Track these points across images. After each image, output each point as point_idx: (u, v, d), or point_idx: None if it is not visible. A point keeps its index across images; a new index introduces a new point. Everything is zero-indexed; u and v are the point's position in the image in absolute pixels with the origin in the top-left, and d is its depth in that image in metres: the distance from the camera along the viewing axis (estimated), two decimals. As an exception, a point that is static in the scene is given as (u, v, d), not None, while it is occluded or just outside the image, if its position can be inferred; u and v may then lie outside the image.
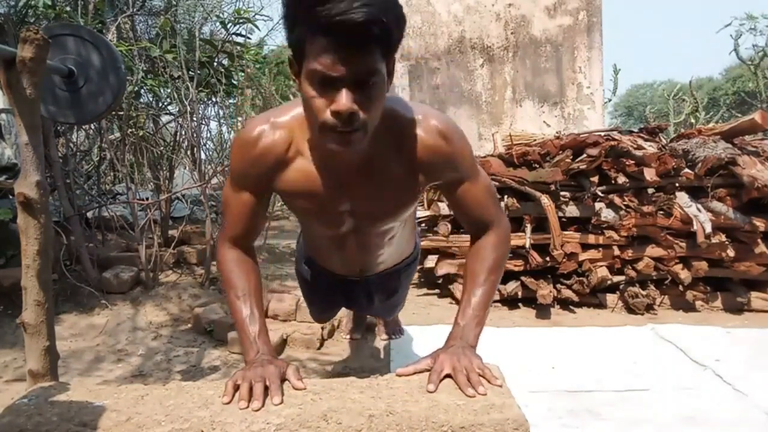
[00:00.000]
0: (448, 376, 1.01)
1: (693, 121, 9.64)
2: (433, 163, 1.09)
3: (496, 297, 3.24)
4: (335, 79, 0.88)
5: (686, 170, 3.17)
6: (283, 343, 2.49)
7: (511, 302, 3.25)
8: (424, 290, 3.60)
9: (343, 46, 0.86)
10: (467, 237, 1.31)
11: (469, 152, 1.16)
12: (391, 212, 1.23)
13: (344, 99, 0.89)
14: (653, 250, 3.16)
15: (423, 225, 3.54)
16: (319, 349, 2.51)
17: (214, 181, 3.80)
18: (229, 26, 3.78)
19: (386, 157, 1.08)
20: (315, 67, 0.88)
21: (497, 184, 3.28)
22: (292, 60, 0.97)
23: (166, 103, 4.20)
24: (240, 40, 3.97)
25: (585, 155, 3.13)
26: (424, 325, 2.81)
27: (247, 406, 0.93)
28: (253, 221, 1.21)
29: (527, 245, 3.10)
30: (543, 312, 3.13)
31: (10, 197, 3.12)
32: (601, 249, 3.18)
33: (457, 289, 3.31)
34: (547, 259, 3.15)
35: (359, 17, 0.82)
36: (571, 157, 3.15)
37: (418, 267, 3.72)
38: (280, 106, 1.15)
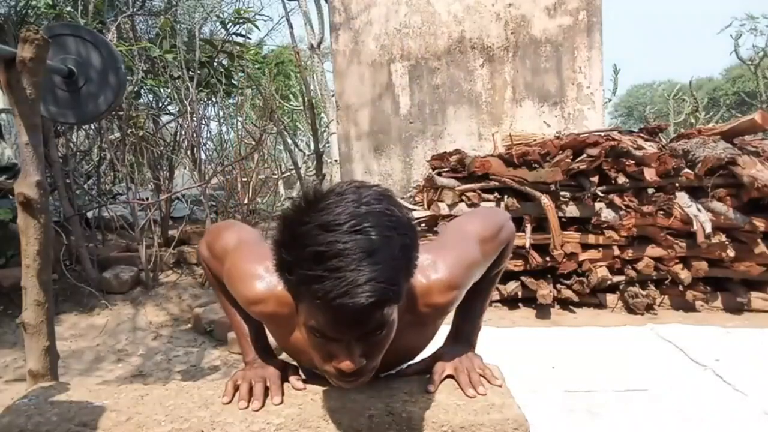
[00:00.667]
0: (449, 376, 1.01)
1: (693, 121, 9.65)
2: (452, 305, 1.01)
3: (496, 297, 3.24)
4: (337, 338, 0.78)
5: (686, 170, 3.17)
6: (283, 343, 2.49)
7: (511, 302, 3.25)
8: (424, 290, 3.59)
9: (347, 321, 0.74)
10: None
11: (473, 260, 1.02)
12: (408, 360, 1.10)
13: (348, 360, 0.78)
14: (653, 250, 3.16)
15: (423, 225, 3.54)
16: (319, 349, 2.51)
17: (214, 181, 3.80)
18: (228, 26, 3.79)
19: (402, 330, 0.90)
20: (313, 324, 0.77)
21: (497, 184, 3.29)
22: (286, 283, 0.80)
23: (166, 103, 4.20)
24: (240, 40, 3.97)
25: (585, 155, 3.13)
26: (424, 325, 2.81)
27: (247, 406, 0.93)
28: None
29: (527, 245, 3.10)
30: (543, 312, 3.13)
31: (10, 197, 3.12)
32: (601, 249, 3.18)
33: (457, 289, 3.31)
34: (547, 259, 3.15)
35: (364, 300, 0.70)
36: (571, 157, 3.15)
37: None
38: None
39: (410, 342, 1.00)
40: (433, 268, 0.95)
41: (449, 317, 1.16)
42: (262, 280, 0.94)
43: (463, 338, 1.11)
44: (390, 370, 1.07)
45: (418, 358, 1.10)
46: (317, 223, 0.73)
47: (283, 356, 1.14)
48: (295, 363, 1.08)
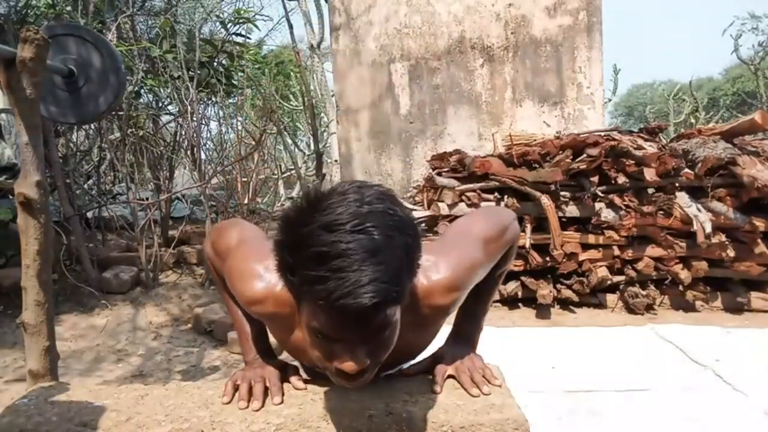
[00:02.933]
0: (450, 376, 1.01)
1: (693, 121, 9.65)
2: (453, 307, 1.00)
3: (496, 297, 3.24)
4: (340, 339, 0.77)
5: (686, 170, 3.17)
6: (283, 343, 2.49)
7: (511, 302, 3.25)
8: (424, 290, 3.59)
9: (349, 322, 0.73)
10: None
11: (476, 261, 1.00)
12: (409, 359, 1.10)
13: (351, 362, 0.77)
14: (653, 250, 3.16)
15: (423, 225, 3.54)
16: (319, 349, 2.51)
17: (214, 181, 3.80)
18: (228, 26, 3.79)
19: (404, 331, 0.88)
20: (314, 325, 0.76)
21: (497, 184, 3.29)
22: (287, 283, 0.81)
23: (166, 103, 4.20)
24: (240, 40, 3.97)
25: (585, 155, 3.13)
26: (424, 325, 2.81)
27: (247, 406, 0.93)
28: None
29: (527, 245, 3.10)
30: (543, 312, 3.13)
31: (10, 197, 3.12)
32: (601, 249, 3.18)
33: (457, 289, 3.31)
34: (547, 259, 3.15)
35: (367, 301, 0.69)
36: (571, 157, 3.15)
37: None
38: None
39: (411, 342, 0.99)
40: (435, 268, 0.94)
41: (451, 317, 1.16)
42: (262, 279, 0.93)
43: (464, 338, 1.11)
44: (390, 370, 1.06)
45: (418, 358, 1.09)
46: (319, 223, 0.72)
47: (284, 356, 1.14)
48: (295, 363, 1.08)
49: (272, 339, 1.10)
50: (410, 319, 0.91)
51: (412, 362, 1.09)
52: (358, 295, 0.69)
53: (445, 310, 0.98)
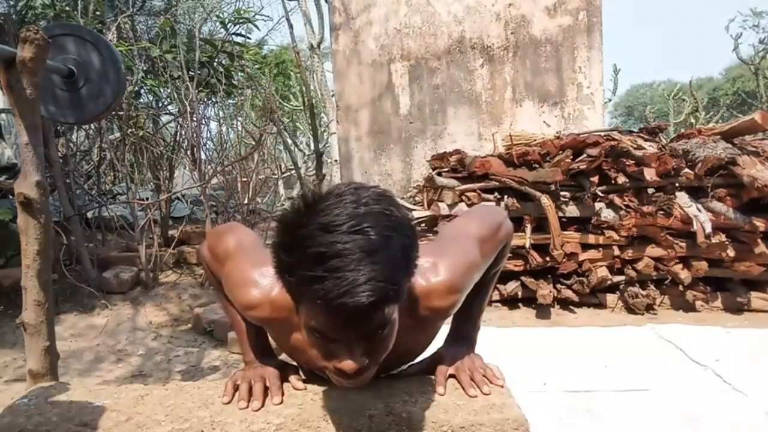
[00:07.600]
0: (451, 376, 1.01)
1: (693, 121, 9.65)
2: (453, 309, 1.00)
3: (496, 297, 3.24)
4: (339, 339, 0.78)
5: (686, 170, 3.17)
6: (283, 343, 2.49)
7: (511, 302, 3.25)
8: (424, 290, 3.59)
9: (348, 321, 0.74)
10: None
11: (473, 262, 1.00)
12: (409, 361, 1.09)
13: (349, 360, 0.77)
14: (653, 250, 3.16)
15: (423, 225, 3.54)
16: (319, 349, 2.51)
17: (214, 181, 3.80)
18: (228, 26, 3.79)
19: (403, 333, 0.88)
20: (313, 325, 0.77)
21: (497, 184, 3.29)
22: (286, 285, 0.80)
23: (166, 103, 4.20)
24: (240, 40, 3.97)
25: (585, 155, 3.13)
26: (424, 325, 2.81)
27: (247, 406, 0.93)
28: None
29: (527, 245, 3.10)
30: (543, 312, 3.13)
31: (10, 197, 3.12)
32: (601, 249, 3.18)
33: (457, 289, 3.31)
34: (547, 259, 3.15)
35: (364, 300, 0.70)
36: (571, 157, 3.15)
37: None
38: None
39: (411, 344, 1.00)
40: (434, 270, 0.94)
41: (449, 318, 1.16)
42: (258, 285, 0.94)
43: (463, 338, 1.11)
44: (390, 371, 1.06)
45: (418, 359, 1.09)
46: (317, 224, 0.73)
47: (283, 356, 1.14)
48: (294, 363, 1.08)
49: (271, 340, 1.10)
50: (410, 323, 0.91)
51: (412, 363, 1.09)
52: (355, 294, 0.70)
53: (444, 313, 0.97)
